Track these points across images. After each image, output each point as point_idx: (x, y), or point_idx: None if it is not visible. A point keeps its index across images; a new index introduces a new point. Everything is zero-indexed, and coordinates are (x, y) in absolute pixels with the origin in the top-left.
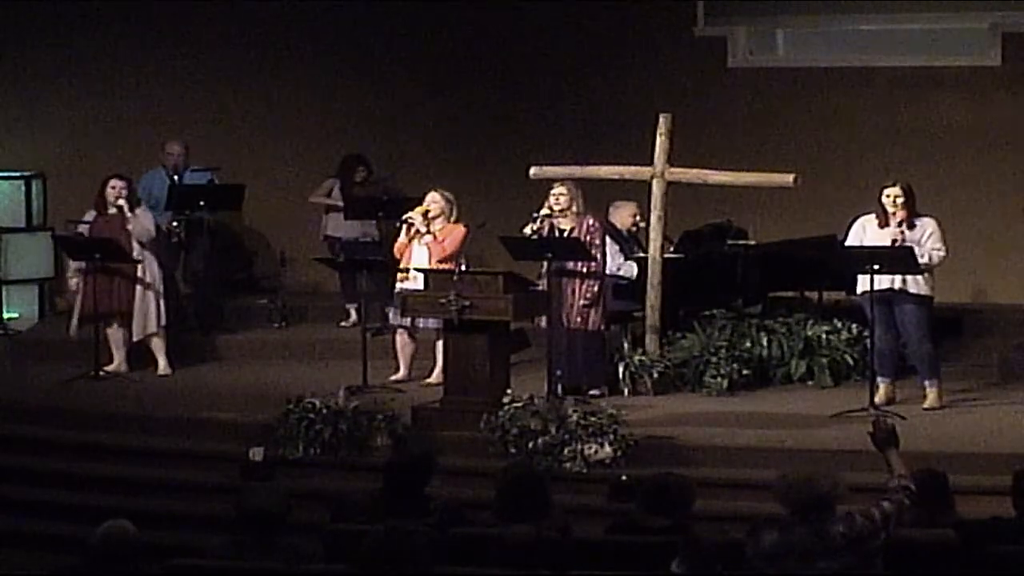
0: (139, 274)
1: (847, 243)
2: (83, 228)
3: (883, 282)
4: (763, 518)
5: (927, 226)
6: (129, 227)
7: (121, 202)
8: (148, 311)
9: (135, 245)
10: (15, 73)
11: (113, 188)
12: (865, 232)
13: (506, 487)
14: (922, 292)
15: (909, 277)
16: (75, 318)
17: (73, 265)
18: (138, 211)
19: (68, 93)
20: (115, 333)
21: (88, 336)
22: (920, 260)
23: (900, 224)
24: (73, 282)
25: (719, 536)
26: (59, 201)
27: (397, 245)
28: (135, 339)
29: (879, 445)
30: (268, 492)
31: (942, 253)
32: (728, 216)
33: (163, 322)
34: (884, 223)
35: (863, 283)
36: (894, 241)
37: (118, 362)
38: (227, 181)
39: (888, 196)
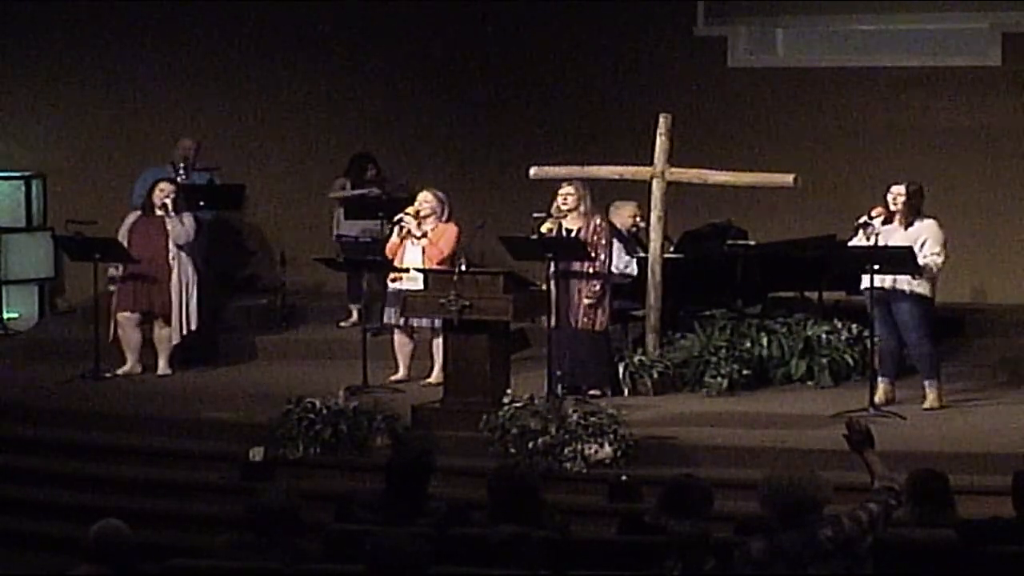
0: (174, 276)
1: (852, 242)
2: (123, 233)
3: (878, 281)
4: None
5: (923, 231)
6: (169, 227)
7: (167, 201)
8: (186, 313)
9: (171, 247)
10: (15, 73)
11: (161, 191)
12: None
13: (495, 490)
14: (916, 291)
15: (901, 276)
16: (112, 320)
17: (109, 269)
18: (184, 215)
19: (68, 93)
20: (131, 336)
21: (91, 336)
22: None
23: (885, 222)
24: (111, 288)
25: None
26: (59, 201)
27: (389, 245)
28: (174, 341)
29: (855, 447)
30: (279, 491)
31: (939, 259)
32: (728, 216)
33: (194, 325)
34: (888, 219)
35: (864, 281)
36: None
37: (131, 364)
38: (227, 181)
39: (891, 194)
